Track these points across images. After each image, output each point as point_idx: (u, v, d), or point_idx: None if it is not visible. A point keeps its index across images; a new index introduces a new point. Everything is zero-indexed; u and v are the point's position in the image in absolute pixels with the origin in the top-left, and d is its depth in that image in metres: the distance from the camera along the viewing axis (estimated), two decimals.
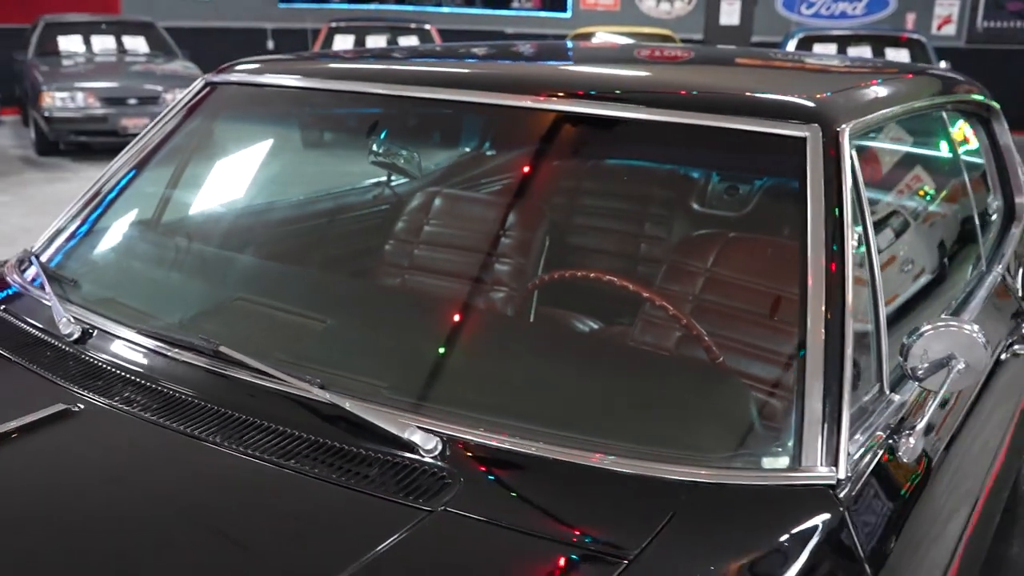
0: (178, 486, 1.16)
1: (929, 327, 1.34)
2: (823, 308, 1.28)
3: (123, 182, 1.90)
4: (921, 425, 1.31)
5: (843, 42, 9.85)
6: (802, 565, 1.07)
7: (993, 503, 1.66)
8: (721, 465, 1.18)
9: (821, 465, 1.17)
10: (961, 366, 1.33)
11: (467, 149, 2.54)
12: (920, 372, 1.35)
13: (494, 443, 1.18)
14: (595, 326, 1.76)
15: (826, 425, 1.20)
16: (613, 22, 14.17)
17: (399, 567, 1.01)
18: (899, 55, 9.67)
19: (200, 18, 13.50)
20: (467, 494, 1.11)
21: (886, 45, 9.77)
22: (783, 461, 1.19)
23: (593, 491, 1.13)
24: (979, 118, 2.42)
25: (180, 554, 1.03)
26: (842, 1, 13.60)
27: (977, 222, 2.10)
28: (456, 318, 1.61)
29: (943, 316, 1.37)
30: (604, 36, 11.73)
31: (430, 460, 1.16)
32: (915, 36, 9.80)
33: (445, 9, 15.13)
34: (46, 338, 1.50)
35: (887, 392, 1.39)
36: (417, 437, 1.17)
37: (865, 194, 1.46)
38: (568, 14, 15.00)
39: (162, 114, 2.00)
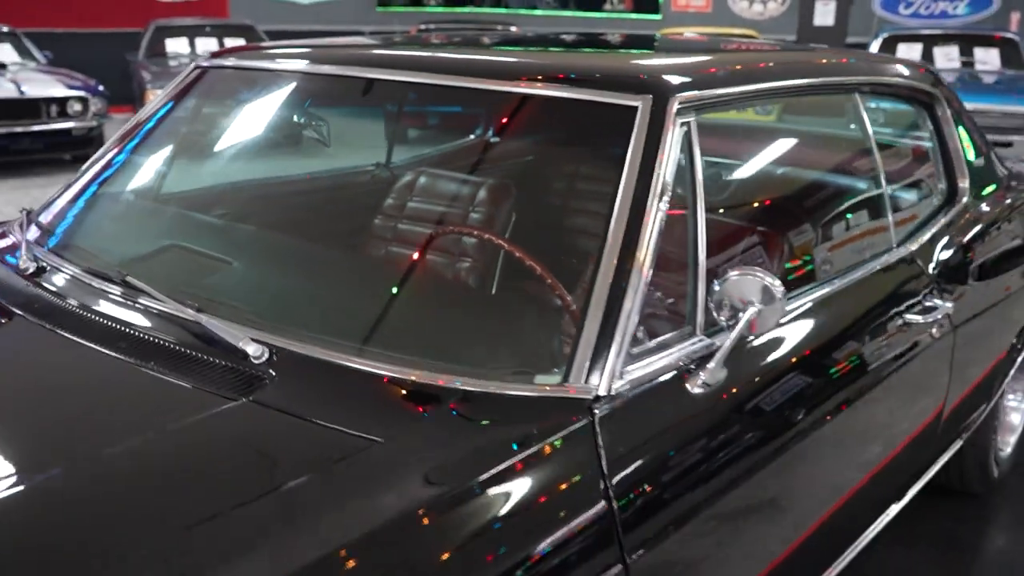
0: (52, 373, 1.45)
1: (734, 274, 1.49)
2: (616, 254, 1.45)
3: (114, 157, 2.20)
4: (712, 364, 1.47)
5: (929, 42, 9.61)
6: (538, 461, 1.25)
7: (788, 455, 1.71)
8: (493, 377, 1.37)
9: (585, 382, 1.35)
10: (754, 310, 1.48)
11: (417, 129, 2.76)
12: (722, 314, 1.51)
13: (306, 353, 1.42)
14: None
15: (597, 350, 1.37)
16: (704, 23, 14.16)
17: (193, 436, 1.26)
18: (989, 55, 9.38)
19: (301, 22, 14.20)
20: (273, 391, 1.34)
21: (975, 44, 9.48)
22: (555, 378, 1.37)
23: (376, 393, 1.35)
24: (921, 103, 2.50)
25: (29, 417, 1.32)
26: (942, 0, 13.21)
27: (887, 200, 2.19)
28: (322, 261, 1.86)
29: (746, 267, 1.50)
30: (695, 37, 11.78)
31: (256, 364, 1.40)
32: (1008, 35, 9.48)
33: (538, 12, 15.41)
34: (12, 272, 1.82)
35: (698, 334, 1.54)
36: (250, 348, 1.41)
37: (699, 161, 1.62)
38: (659, 16, 15.05)
39: (159, 96, 2.30)
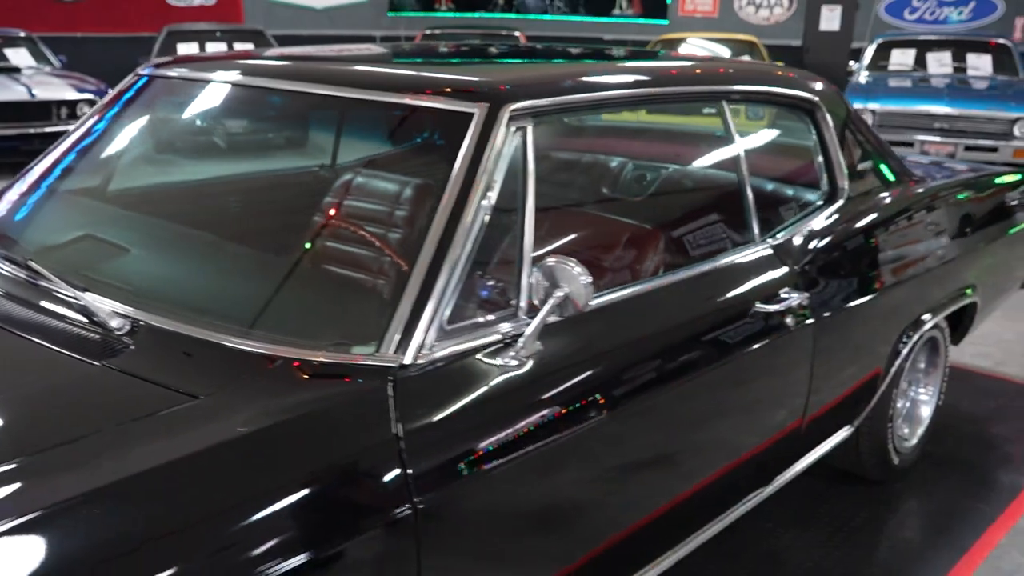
0: None
1: (549, 261, 1.70)
2: (436, 242, 1.66)
3: (58, 157, 2.42)
4: (522, 341, 1.67)
5: (923, 47, 9.70)
6: (334, 420, 1.45)
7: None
8: (312, 347, 1.58)
9: (393, 353, 1.56)
10: (561, 293, 1.68)
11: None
12: (536, 298, 1.71)
13: (160, 325, 1.64)
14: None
15: (408, 326, 1.58)
16: (711, 28, 14.29)
17: (40, 394, 1.50)
18: (981, 61, 9.46)
19: (314, 27, 14.52)
20: (126, 358, 1.57)
21: (969, 50, 9.56)
22: (370, 348, 1.58)
23: (209, 359, 1.56)
24: (802, 110, 2.68)
25: None
26: (947, 6, 13.26)
27: (749, 199, 2.37)
28: (204, 249, 2.08)
29: (559, 255, 1.70)
30: (694, 42, 11.94)
31: (117, 334, 1.62)
32: (1002, 41, 9.55)
33: (547, 17, 15.62)
34: None
35: (521, 316, 1.74)
36: (114, 321, 1.64)
37: (532, 162, 1.82)
38: (667, 21, 15.21)
39: (102, 102, 2.53)
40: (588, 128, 3.11)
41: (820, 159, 2.70)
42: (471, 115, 1.80)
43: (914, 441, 3.28)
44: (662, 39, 11.92)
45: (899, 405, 3.22)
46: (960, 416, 3.80)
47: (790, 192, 2.77)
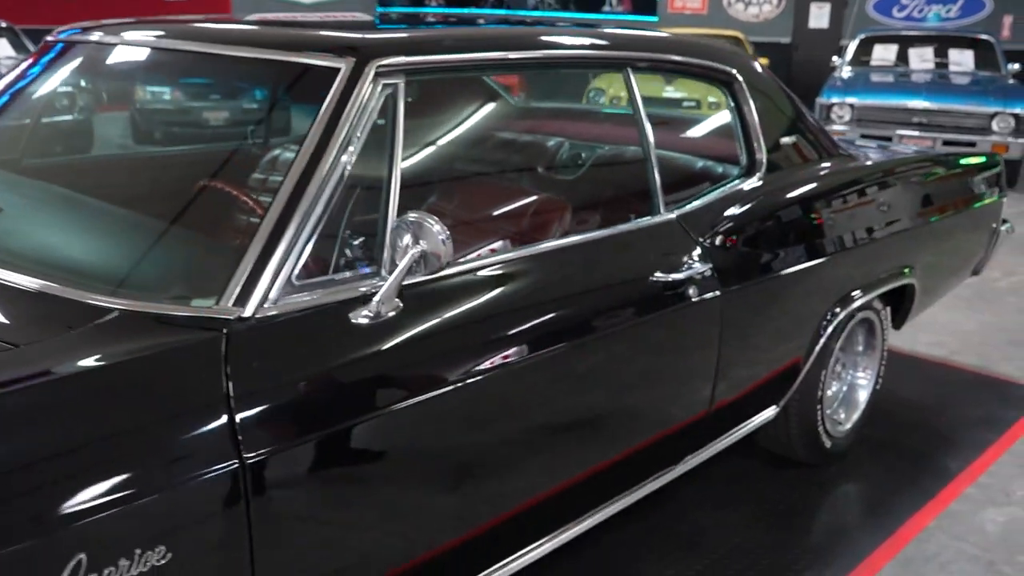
0: None
1: (411, 217, 1.65)
2: (287, 196, 1.61)
3: None
4: (376, 298, 1.62)
5: (905, 43, 9.65)
6: (162, 370, 1.41)
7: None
8: (148, 299, 1.54)
9: (231, 305, 1.51)
10: (417, 249, 1.64)
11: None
12: (396, 254, 1.67)
13: (10, 282, 1.60)
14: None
15: (250, 278, 1.53)
16: (700, 25, 14.24)
17: None
18: (963, 56, 9.40)
19: None
20: None
21: (951, 46, 9.50)
22: (209, 301, 1.53)
23: (43, 309, 1.53)
24: (719, 81, 2.63)
25: None
26: (936, 3, 13.20)
27: (653, 170, 2.32)
28: (76, 212, 2.03)
29: (421, 212, 1.65)
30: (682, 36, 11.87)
31: None
32: (984, 37, 9.49)
33: (537, 13, 15.59)
34: None
35: (383, 273, 1.69)
36: None
37: (401, 120, 1.78)
38: (656, 18, 15.17)
39: (19, 66, 2.48)
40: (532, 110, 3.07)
41: (740, 133, 2.65)
42: (337, 70, 1.76)
43: (849, 425, 3.23)
44: None
45: (832, 388, 3.17)
46: (903, 402, 3.75)
47: (705, 165, 2.72)
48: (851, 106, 8.48)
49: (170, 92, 3.12)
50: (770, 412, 2.82)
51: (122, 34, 2.19)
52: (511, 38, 2.12)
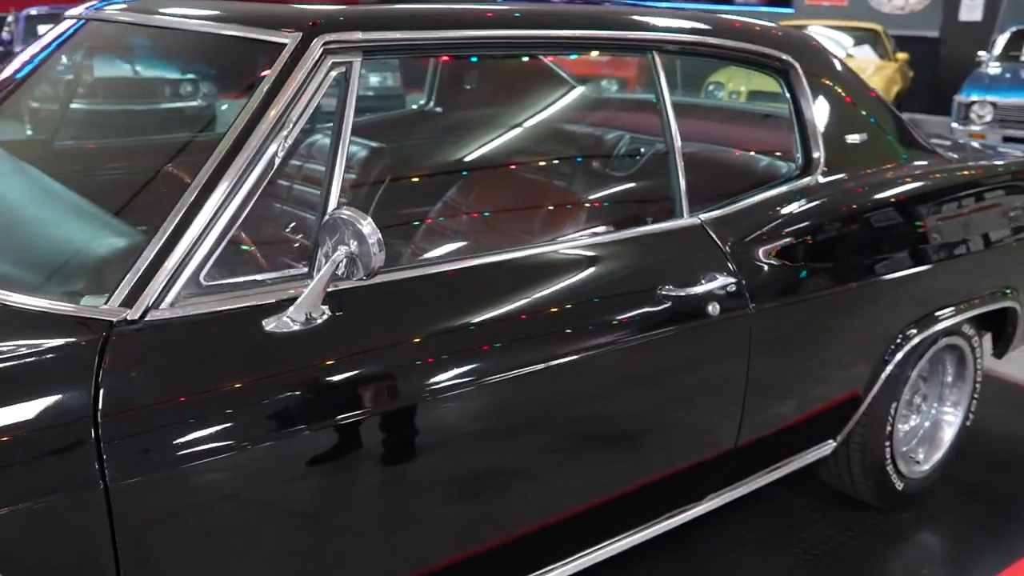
0: None
1: (343, 214, 1.44)
2: (199, 186, 1.44)
3: None
4: (294, 306, 1.42)
5: None
6: (32, 373, 1.25)
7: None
8: (36, 294, 1.39)
9: (118, 306, 1.34)
10: (343, 251, 1.43)
11: None
12: (322, 253, 1.46)
13: None
14: None
15: (144, 277, 1.36)
16: (839, 17, 13.43)
17: None
18: None
19: None
20: None
21: None
22: (99, 300, 1.37)
23: None
24: (772, 69, 2.30)
25: None
26: None
27: (677, 167, 2.03)
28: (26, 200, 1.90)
29: (351, 209, 1.44)
30: (812, 30, 11.25)
31: None
32: None
33: (662, 4, 15.11)
34: None
35: (315, 275, 1.49)
36: None
37: (351, 102, 1.57)
38: (792, 9, 14.42)
39: (36, 44, 2.42)
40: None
41: (796, 128, 2.32)
42: (282, 46, 1.57)
43: (928, 466, 2.83)
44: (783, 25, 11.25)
45: (908, 423, 2.78)
46: (1001, 441, 3.28)
47: (752, 163, 2.40)
48: (993, 104, 7.73)
49: (128, 73, 3.00)
50: (826, 447, 2.48)
51: (107, 10, 2.07)
52: (495, 16, 1.88)
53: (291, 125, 1.50)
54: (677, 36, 2.10)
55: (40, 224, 1.71)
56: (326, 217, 1.46)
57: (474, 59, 2.74)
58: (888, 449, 2.62)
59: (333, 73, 1.57)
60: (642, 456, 2.00)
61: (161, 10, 1.90)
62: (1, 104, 2.17)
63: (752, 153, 2.52)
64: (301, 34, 1.57)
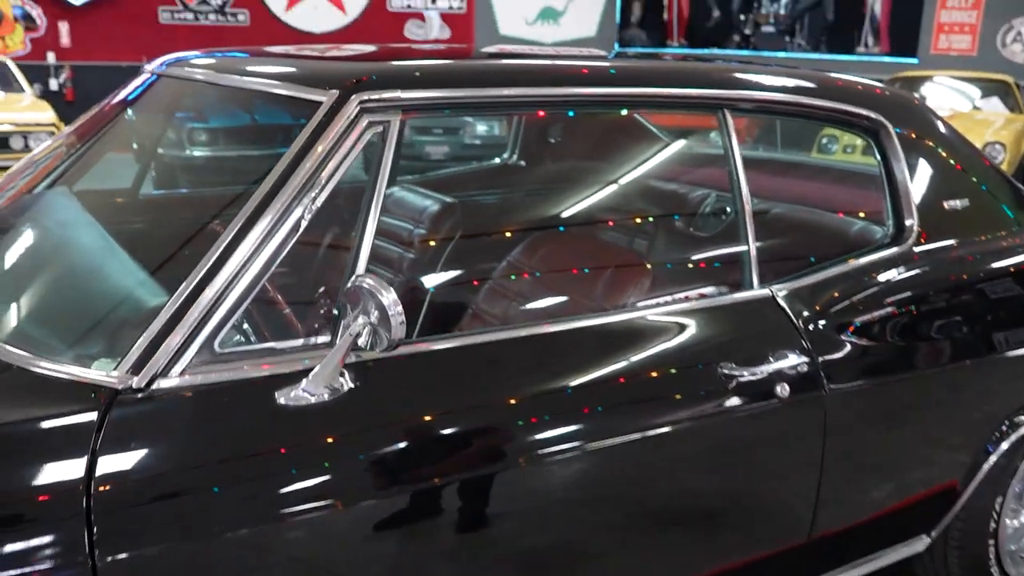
0: None
1: (365, 283, 1.36)
2: (221, 248, 1.38)
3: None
4: (308, 379, 1.35)
5: None
6: (32, 439, 1.22)
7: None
8: (53, 356, 1.36)
9: (125, 373, 1.29)
10: (360, 323, 1.35)
11: None
12: (344, 319, 1.39)
13: None
14: None
15: (153, 344, 1.31)
16: (966, 67, 12.84)
17: None
18: None
19: None
20: None
21: None
22: (108, 365, 1.32)
23: None
24: (862, 129, 2.13)
25: None
26: None
27: (747, 231, 1.88)
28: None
29: (371, 277, 1.36)
30: (937, 80, 10.79)
31: None
32: None
33: (784, 53, 14.79)
34: None
35: (339, 338, 1.42)
36: None
37: (387, 165, 1.51)
38: (916, 59, 13.87)
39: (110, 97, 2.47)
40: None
41: (887, 192, 2.13)
42: (318, 104, 1.52)
43: None
44: (898, 76, 10.83)
45: (1018, 517, 2.50)
46: None
47: (836, 228, 2.22)
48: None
49: (183, 130, 3.02)
50: (919, 543, 2.24)
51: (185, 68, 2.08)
52: (545, 72, 1.78)
53: (320, 186, 1.45)
54: (748, 93, 1.96)
55: (77, 282, 1.71)
56: (348, 284, 1.39)
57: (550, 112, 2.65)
58: (992, 548, 2.35)
59: (369, 133, 1.51)
60: (697, 545, 1.83)
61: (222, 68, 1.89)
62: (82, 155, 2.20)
63: (835, 216, 2.34)
64: (338, 92, 1.51)
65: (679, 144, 3.30)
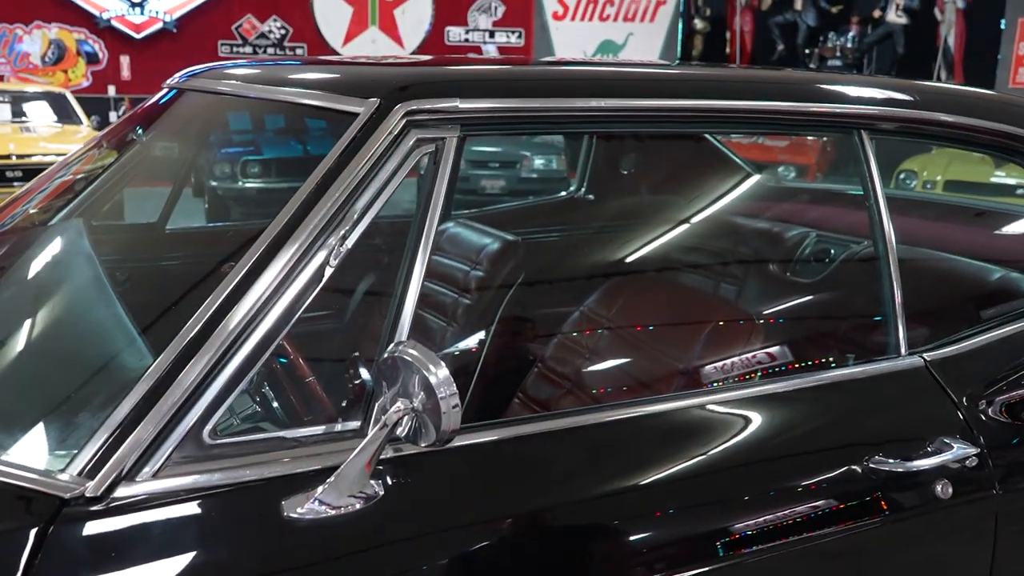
0: None
1: (406, 354, 1.01)
2: (213, 307, 1.03)
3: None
4: (325, 485, 0.99)
5: None
6: None
7: None
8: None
9: (76, 476, 0.95)
10: (399, 409, 0.99)
11: None
12: (379, 400, 1.03)
13: None
14: None
15: (118, 439, 0.97)
16: None
17: None
18: None
19: None
20: None
21: None
22: (61, 464, 0.98)
23: None
24: (1014, 152, 1.73)
25: None
26: None
27: (892, 286, 1.48)
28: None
29: (415, 347, 1.00)
30: None
31: None
32: None
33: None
34: None
35: (370, 432, 1.06)
36: None
37: (442, 192, 1.16)
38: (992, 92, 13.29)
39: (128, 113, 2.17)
40: None
41: None
42: (354, 115, 1.17)
43: None
44: None
45: None
46: None
47: (997, 282, 1.81)
48: None
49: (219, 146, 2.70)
50: None
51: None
52: (647, 80, 1.42)
53: (351, 222, 1.09)
54: (894, 111, 1.57)
55: (48, 344, 1.36)
56: (384, 354, 1.03)
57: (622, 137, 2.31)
58: None
59: (418, 153, 1.15)
60: None
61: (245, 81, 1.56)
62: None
63: (986, 265, 1.93)
64: (379, 100, 1.16)
65: (762, 176, 2.93)
